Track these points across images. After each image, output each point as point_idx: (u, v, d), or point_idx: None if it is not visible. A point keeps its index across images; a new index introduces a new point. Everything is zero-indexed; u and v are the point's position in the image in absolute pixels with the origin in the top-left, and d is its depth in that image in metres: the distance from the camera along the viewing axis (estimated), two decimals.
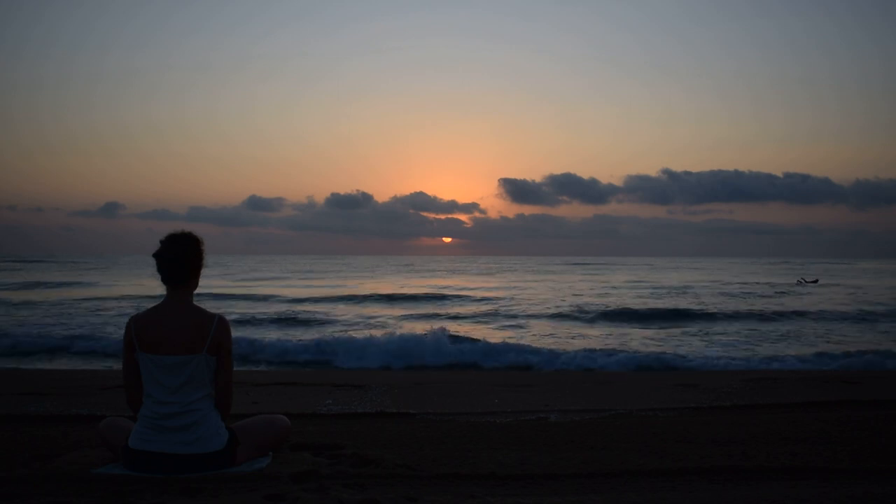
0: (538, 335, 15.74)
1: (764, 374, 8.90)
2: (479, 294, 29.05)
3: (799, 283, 39.15)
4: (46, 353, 12.07)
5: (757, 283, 40.61)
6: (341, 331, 16.20)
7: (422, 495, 2.96)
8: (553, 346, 13.35)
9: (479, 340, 12.93)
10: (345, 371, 10.45)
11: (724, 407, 6.09)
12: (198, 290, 3.43)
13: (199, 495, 2.91)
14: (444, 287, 34.67)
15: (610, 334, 15.90)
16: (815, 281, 40.99)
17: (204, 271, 3.42)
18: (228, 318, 3.37)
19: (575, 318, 19.46)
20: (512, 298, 26.56)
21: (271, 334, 15.23)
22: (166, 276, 3.31)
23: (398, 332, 14.93)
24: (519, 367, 11.16)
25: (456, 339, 13.05)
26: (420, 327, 17.33)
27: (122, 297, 25.35)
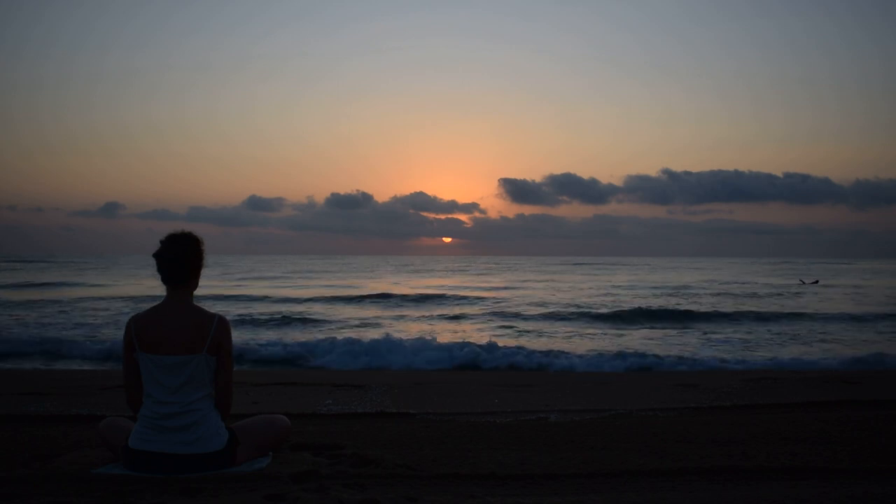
0: (538, 335, 15.75)
1: (764, 374, 8.90)
2: (479, 294, 29.06)
3: (801, 284, 39.17)
4: (46, 353, 12.06)
5: (757, 283, 40.63)
6: (328, 331, 16.20)
7: (422, 495, 2.96)
8: (553, 346, 13.36)
9: (472, 343, 12.84)
10: (345, 371, 10.45)
11: (724, 407, 6.09)
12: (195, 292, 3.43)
13: (199, 495, 2.91)
14: (445, 287, 34.67)
15: (610, 334, 15.90)
16: (816, 282, 41.01)
17: (202, 271, 3.43)
18: None
19: (575, 318, 19.47)
20: (512, 299, 26.57)
21: (249, 334, 15.24)
22: (166, 276, 3.31)
23: (388, 332, 14.91)
24: (519, 367, 11.16)
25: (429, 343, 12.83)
26: (415, 327, 17.35)
27: (122, 298, 25.36)
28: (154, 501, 2.84)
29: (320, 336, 14.16)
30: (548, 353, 12.07)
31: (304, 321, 18.34)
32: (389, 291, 29.82)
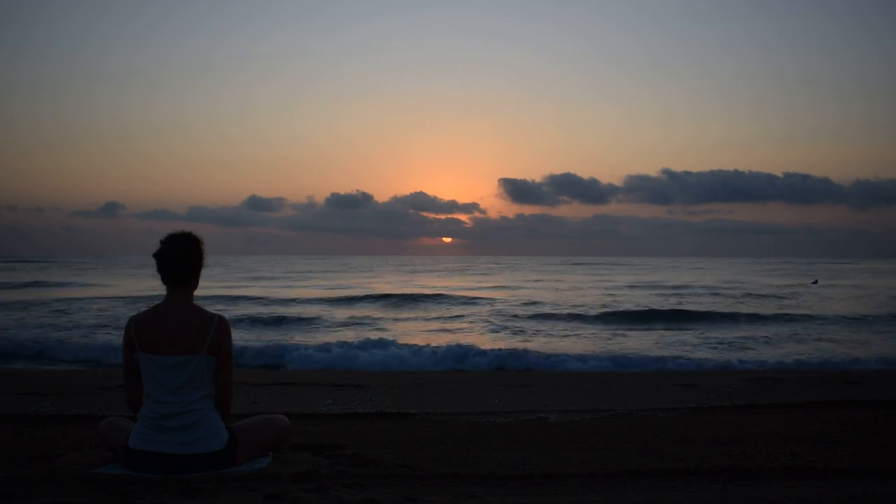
0: (538, 335, 15.74)
1: (764, 374, 8.90)
2: (479, 294, 29.05)
3: (814, 284, 39.15)
4: (46, 354, 12.05)
5: (757, 283, 40.63)
6: (325, 331, 16.20)
7: (422, 495, 2.96)
8: (553, 346, 13.36)
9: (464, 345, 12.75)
10: (345, 371, 10.44)
11: (724, 407, 6.10)
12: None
13: (199, 495, 2.91)
14: (445, 288, 34.66)
15: (609, 334, 15.90)
16: (815, 282, 41.03)
17: (202, 271, 3.43)
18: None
19: (574, 319, 19.45)
20: (511, 299, 26.56)
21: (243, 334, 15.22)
22: (166, 276, 3.31)
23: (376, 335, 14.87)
24: (518, 367, 11.16)
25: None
26: (415, 328, 17.35)
27: (122, 298, 25.35)
28: (154, 501, 2.84)
29: (319, 336, 14.13)
30: (548, 353, 12.07)
31: (300, 321, 18.30)
32: (389, 292, 29.80)
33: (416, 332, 16.51)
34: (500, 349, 12.20)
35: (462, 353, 11.83)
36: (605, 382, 8.06)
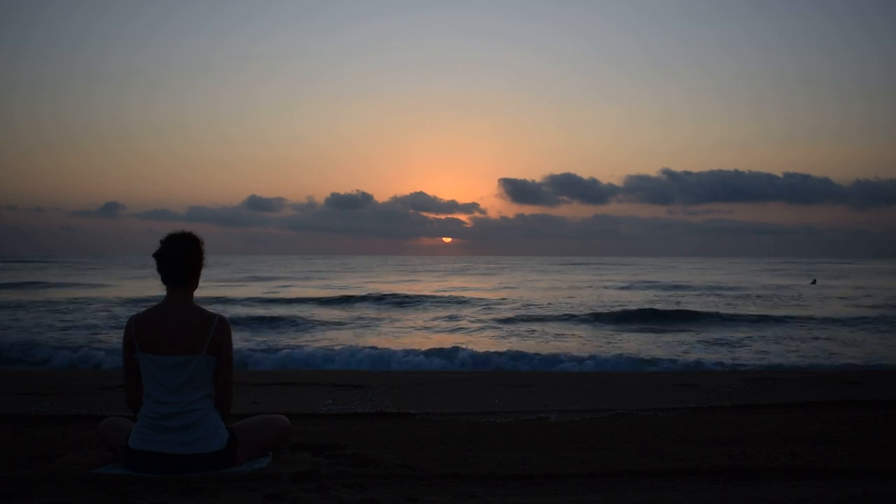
0: (537, 335, 15.74)
1: (764, 374, 8.90)
2: (479, 294, 29.05)
3: (813, 283, 39.18)
4: (45, 354, 12.04)
5: (757, 283, 40.63)
6: (322, 331, 16.19)
7: (422, 495, 2.96)
8: (552, 346, 13.36)
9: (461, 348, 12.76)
10: (345, 371, 10.44)
11: (724, 407, 6.10)
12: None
13: (199, 495, 2.91)
14: (444, 288, 34.67)
15: (609, 334, 15.90)
16: (814, 282, 41.02)
17: (202, 271, 3.43)
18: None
19: (574, 318, 19.45)
20: (511, 299, 26.56)
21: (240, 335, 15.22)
22: (166, 276, 3.31)
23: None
24: (518, 367, 11.16)
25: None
26: (414, 327, 17.35)
27: (121, 298, 25.35)
28: (154, 501, 2.84)
29: (319, 336, 14.13)
30: (547, 353, 12.07)
31: (298, 321, 18.29)
32: (389, 292, 29.81)
33: (415, 332, 16.51)
34: (499, 349, 12.20)
35: (462, 354, 11.83)
36: (604, 382, 8.06)
